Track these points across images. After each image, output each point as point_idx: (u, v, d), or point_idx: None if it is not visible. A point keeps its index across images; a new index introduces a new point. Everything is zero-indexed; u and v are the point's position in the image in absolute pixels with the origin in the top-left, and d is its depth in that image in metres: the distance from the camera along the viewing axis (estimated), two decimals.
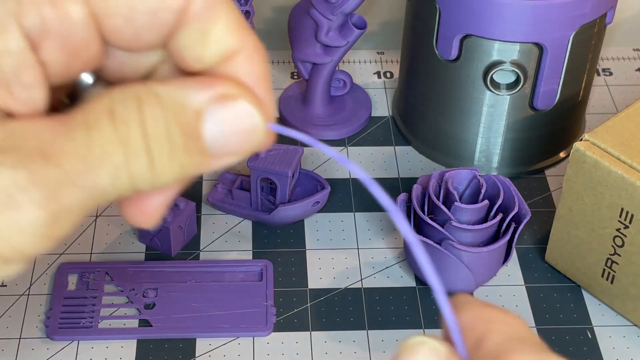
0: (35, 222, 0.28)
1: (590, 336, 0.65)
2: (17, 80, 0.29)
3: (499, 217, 0.63)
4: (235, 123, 0.30)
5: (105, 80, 0.32)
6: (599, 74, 0.86)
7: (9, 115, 0.29)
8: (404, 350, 0.30)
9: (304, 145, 0.72)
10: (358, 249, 0.70)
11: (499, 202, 0.63)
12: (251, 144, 0.30)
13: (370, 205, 0.73)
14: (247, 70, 0.31)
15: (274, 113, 0.31)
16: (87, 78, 0.32)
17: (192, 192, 0.73)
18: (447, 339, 0.30)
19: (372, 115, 0.82)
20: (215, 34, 0.30)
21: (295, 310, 0.66)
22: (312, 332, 0.64)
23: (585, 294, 0.67)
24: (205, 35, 0.30)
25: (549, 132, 0.75)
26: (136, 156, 0.29)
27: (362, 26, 0.75)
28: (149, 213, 0.32)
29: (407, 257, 0.67)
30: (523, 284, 0.68)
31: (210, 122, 0.29)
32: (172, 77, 0.32)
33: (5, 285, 0.67)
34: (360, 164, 0.77)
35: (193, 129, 0.29)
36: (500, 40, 0.69)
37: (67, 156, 0.28)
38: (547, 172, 0.77)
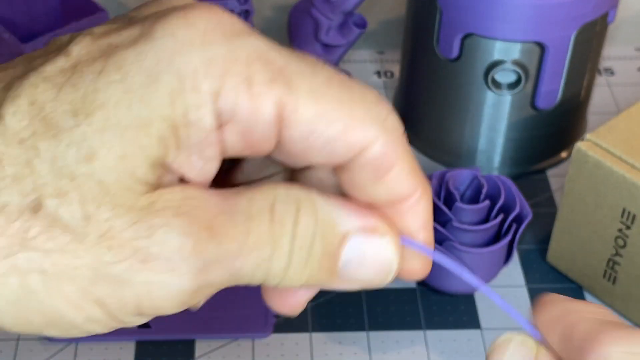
0: (182, 289, 0.30)
1: None
2: (199, 152, 0.30)
3: (500, 218, 0.62)
4: (373, 257, 0.32)
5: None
6: (600, 74, 0.86)
7: (182, 180, 0.30)
8: (493, 349, 0.31)
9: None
10: None
11: (500, 202, 0.63)
12: (378, 280, 0.32)
13: None
14: (413, 214, 0.33)
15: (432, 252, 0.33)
16: None
17: None
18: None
19: None
20: (389, 179, 0.32)
21: None
22: (312, 333, 0.64)
23: (586, 295, 0.67)
24: (378, 178, 0.32)
25: (551, 132, 0.75)
26: (279, 256, 0.31)
27: (362, 25, 0.75)
28: (292, 306, 0.35)
29: None
30: (524, 284, 0.68)
31: (351, 248, 0.31)
32: (328, 184, 0.34)
33: None
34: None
35: (334, 250, 0.31)
36: (501, 40, 0.68)
37: (228, 237, 0.30)
38: (549, 172, 0.77)
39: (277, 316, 0.65)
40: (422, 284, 0.67)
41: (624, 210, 0.61)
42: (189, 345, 0.63)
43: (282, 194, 0.31)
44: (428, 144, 0.77)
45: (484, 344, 0.64)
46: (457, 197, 0.63)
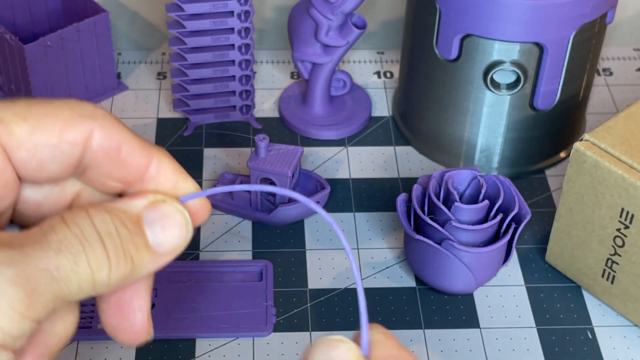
0: (12, 298, 0.31)
1: (590, 336, 0.65)
2: None
3: (499, 217, 0.63)
4: (168, 218, 0.35)
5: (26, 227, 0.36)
6: (599, 74, 0.86)
7: None
8: (322, 342, 0.34)
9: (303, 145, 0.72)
10: (358, 249, 0.70)
11: (499, 202, 0.63)
12: (185, 234, 0.36)
13: (370, 205, 0.73)
14: (164, 175, 0.36)
15: (196, 187, 0.38)
16: None
17: None
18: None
19: (372, 115, 0.82)
20: (123, 158, 0.35)
21: (295, 310, 0.66)
22: (312, 333, 0.64)
23: (585, 294, 0.67)
24: (114, 161, 0.35)
25: (550, 132, 0.75)
26: (91, 246, 0.33)
27: (362, 26, 0.75)
28: (135, 324, 0.37)
29: (406, 258, 0.67)
30: (523, 284, 0.68)
31: (148, 221, 0.35)
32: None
33: None
34: (360, 164, 0.77)
35: (137, 227, 0.35)
36: (500, 40, 0.69)
37: (28, 245, 0.32)
38: (548, 172, 0.77)
39: (278, 315, 0.65)
40: (422, 283, 0.67)
41: (622, 210, 0.61)
42: (190, 344, 0.63)
43: (65, 212, 0.34)
44: (427, 144, 0.77)
45: (483, 343, 0.64)
46: (457, 197, 0.63)
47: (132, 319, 0.37)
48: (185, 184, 0.37)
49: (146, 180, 0.36)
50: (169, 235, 0.35)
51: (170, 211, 0.36)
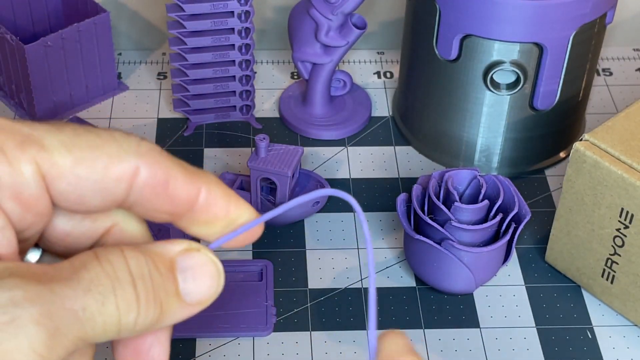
0: (33, 338, 0.30)
1: (590, 336, 0.65)
2: None
3: (499, 217, 0.63)
4: (201, 269, 0.34)
5: (52, 253, 0.36)
6: (599, 74, 0.86)
7: None
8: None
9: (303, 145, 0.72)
10: (358, 249, 0.70)
11: (499, 202, 0.63)
12: (215, 285, 0.35)
13: (370, 205, 0.73)
14: (214, 198, 0.35)
15: (252, 210, 0.37)
16: (33, 257, 0.35)
17: None
18: None
19: (372, 115, 0.82)
20: (170, 192, 0.34)
21: (295, 310, 0.66)
22: (312, 332, 0.64)
23: (585, 294, 0.67)
24: (161, 196, 0.34)
25: (549, 132, 0.75)
26: (122, 287, 0.32)
27: (362, 26, 0.75)
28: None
29: (406, 258, 0.67)
30: (523, 284, 0.68)
31: (181, 269, 0.34)
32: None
33: None
34: (360, 164, 0.77)
35: (170, 272, 0.33)
36: (500, 40, 0.69)
37: (57, 282, 0.31)
38: (547, 172, 0.77)
39: (278, 315, 0.65)
40: (422, 282, 0.67)
41: (622, 210, 0.61)
42: (190, 344, 0.64)
43: (99, 249, 0.33)
44: (427, 144, 0.77)
45: (483, 343, 0.64)
46: (456, 196, 0.63)
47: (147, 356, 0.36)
48: (237, 209, 0.36)
49: (196, 210, 0.35)
50: (199, 285, 0.34)
51: (203, 261, 0.35)
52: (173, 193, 0.34)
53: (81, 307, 0.31)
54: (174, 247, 0.34)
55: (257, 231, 0.36)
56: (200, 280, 0.34)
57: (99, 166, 0.33)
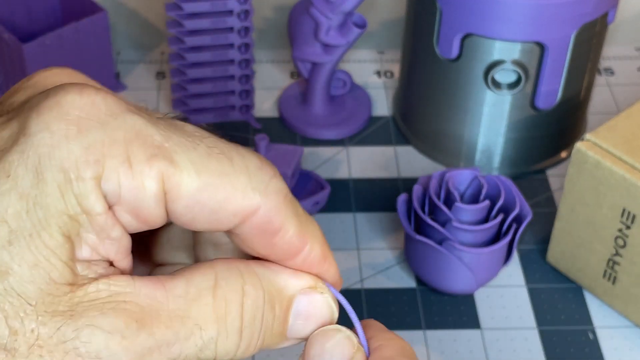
0: None
1: (592, 337, 0.64)
2: (106, 236, 0.31)
3: (500, 218, 0.62)
4: (318, 312, 0.33)
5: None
6: (600, 74, 0.86)
7: (110, 263, 0.31)
8: (318, 334, 0.33)
9: (304, 145, 0.72)
10: (358, 249, 0.70)
11: (500, 202, 0.63)
12: (318, 331, 0.34)
13: (370, 205, 0.73)
14: (312, 258, 0.34)
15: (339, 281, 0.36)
16: None
17: None
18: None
19: (372, 115, 0.81)
20: (277, 240, 0.33)
21: None
22: None
23: (586, 295, 0.67)
24: (266, 241, 0.32)
25: (551, 131, 0.75)
26: (227, 335, 0.31)
27: (362, 25, 0.75)
28: None
29: (407, 258, 0.66)
30: (524, 284, 0.68)
31: (296, 309, 0.33)
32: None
33: None
34: (360, 164, 0.77)
35: (284, 314, 0.33)
36: (501, 40, 0.68)
37: (160, 326, 0.30)
38: (549, 172, 0.77)
39: None
40: (422, 283, 0.67)
41: (623, 210, 0.61)
42: None
43: (223, 271, 0.32)
44: (428, 144, 0.77)
45: (484, 344, 0.64)
46: (457, 197, 0.63)
47: None
48: (328, 270, 0.35)
49: (289, 263, 0.34)
50: (309, 327, 0.33)
51: (321, 304, 0.33)
52: (278, 243, 0.33)
53: (178, 354, 0.30)
54: (298, 283, 0.33)
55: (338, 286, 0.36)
56: (311, 323, 0.34)
57: (221, 196, 0.31)
